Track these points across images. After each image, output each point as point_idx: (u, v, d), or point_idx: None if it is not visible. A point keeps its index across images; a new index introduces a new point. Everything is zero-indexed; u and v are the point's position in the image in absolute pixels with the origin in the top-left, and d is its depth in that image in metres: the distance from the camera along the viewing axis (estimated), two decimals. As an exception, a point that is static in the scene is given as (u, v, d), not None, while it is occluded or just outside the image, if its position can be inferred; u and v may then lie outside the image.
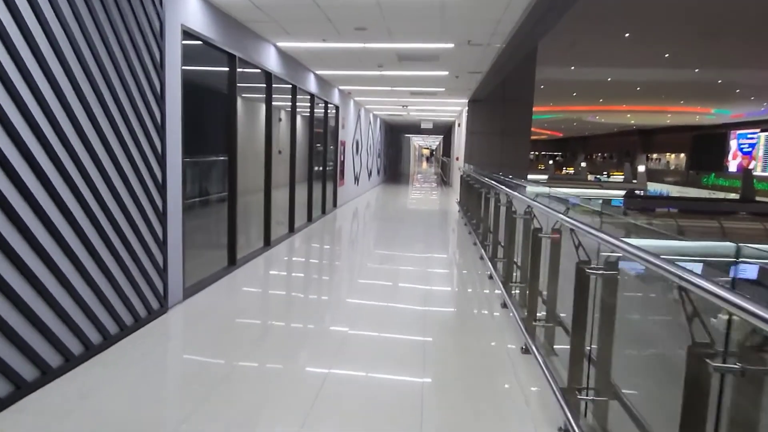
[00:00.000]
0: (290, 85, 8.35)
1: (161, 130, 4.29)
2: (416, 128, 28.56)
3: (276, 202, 8.25)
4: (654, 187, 30.13)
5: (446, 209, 14.45)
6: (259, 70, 6.95)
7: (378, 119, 21.33)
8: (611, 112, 27.74)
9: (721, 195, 24.17)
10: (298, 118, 9.14)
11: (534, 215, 3.97)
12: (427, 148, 65.29)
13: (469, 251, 8.07)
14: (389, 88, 11.85)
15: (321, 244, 8.84)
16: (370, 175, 19.28)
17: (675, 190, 29.11)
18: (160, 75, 4.24)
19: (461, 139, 16.11)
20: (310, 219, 10.18)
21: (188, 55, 5.05)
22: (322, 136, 11.30)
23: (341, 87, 12.08)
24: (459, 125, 18.36)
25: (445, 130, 28.89)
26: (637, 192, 21.44)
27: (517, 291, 5.08)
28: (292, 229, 8.87)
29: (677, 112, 26.40)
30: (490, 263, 6.31)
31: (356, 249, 8.49)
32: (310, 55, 8.11)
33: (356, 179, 16.04)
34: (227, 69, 5.91)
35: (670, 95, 21.28)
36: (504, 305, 5.10)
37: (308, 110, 9.92)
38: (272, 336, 4.21)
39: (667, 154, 38.69)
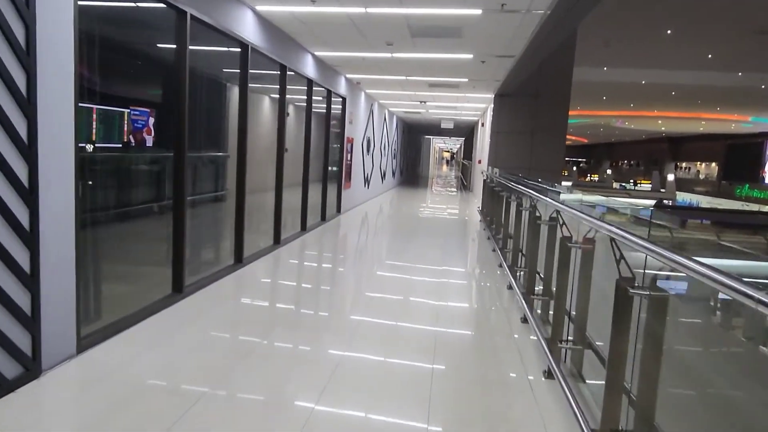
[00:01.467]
0: (277, 65, 6.82)
1: (27, 105, 2.76)
2: (436, 129, 27.04)
3: (264, 207, 6.85)
4: (683, 197, 28.55)
5: (466, 218, 12.80)
6: (232, 43, 5.43)
7: (394, 117, 19.73)
8: (641, 117, 26.28)
9: (754, 207, 22.40)
10: (294, 109, 7.60)
11: (621, 256, 2.36)
12: (448, 151, 63.55)
13: (494, 277, 6.47)
14: (403, 78, 10.27)
15: (312, 262, 7.23)
16: (383, 177, 17.65)
17: (705, 201, 27.43)
18: (25, 18, 2.71)
19: (485, 140, 14.54)
20: (304, 228, 8.62)
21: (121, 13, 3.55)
22: (324, 131, 9.76)
23: (349, 75, 10.52)
24: (482, 125, 16.77)
25: (467, 132, 27.40)
26: (665, 202, 20.03)
27: (568, 356, 3.50)
28: (278, 241, 7.32)
29: (712, 119, 24.81)
30: (523, 302, 4.68)
31: (353, 271, 6.82)
32: (302, 26, 6.55)
33: (366, 181, 14.46)
34: (176, 32, 4.39)
35: (707, 100, 20.05)
36: (549, 374, 3.49)
37: (305, 99, 8.39)
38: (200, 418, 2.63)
39: (698, 163, 36.81)
